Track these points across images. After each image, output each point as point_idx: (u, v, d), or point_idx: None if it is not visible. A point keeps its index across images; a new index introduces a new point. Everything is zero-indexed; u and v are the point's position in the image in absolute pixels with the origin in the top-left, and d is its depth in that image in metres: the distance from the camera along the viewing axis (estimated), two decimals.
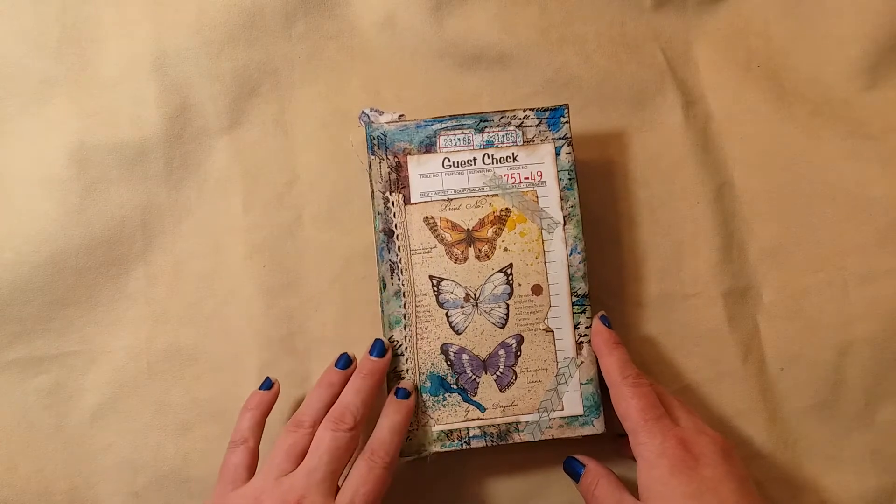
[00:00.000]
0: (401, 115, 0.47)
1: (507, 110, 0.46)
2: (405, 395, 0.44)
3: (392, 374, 0.45)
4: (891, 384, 0.48)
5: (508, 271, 0.45)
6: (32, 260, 0.49)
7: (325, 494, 0.39)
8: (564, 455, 0.48)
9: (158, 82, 0.51)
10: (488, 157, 0.46)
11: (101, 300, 0.50)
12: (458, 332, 0.45)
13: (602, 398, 0.44)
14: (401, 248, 0.45)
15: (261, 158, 0.51)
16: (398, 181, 0.46)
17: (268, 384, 0.46)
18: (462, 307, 0.45)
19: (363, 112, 0.47)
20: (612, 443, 0.46)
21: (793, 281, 0.49)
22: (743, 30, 0.52)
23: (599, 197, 0.50)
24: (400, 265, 0.45)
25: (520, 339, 0.45)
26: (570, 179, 0.45)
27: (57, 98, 0.51)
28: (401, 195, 0.46)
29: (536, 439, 0.44)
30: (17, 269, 0.49)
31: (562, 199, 0.45)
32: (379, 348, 0.44)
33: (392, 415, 0.43)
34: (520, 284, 0.45)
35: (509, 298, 0.45)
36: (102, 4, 0.52)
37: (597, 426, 0.44)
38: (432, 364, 0.45)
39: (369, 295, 0.49)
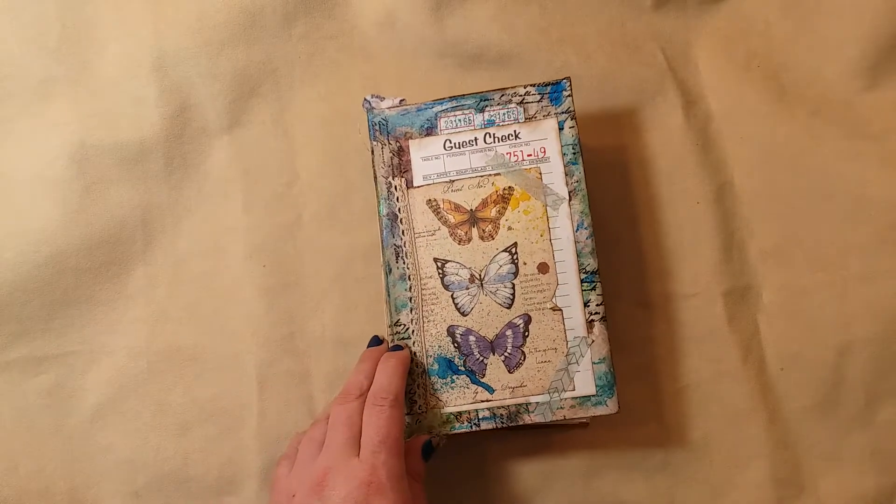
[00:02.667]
0: (402, 100, 0.47)
1: (507, 87, 0.46)
2: (398, 348, 0.44)
3: None
4: (891, 384, 0.48)
5: (513, 250, 0.45)
6: (32, 260, 0.49)
7: (347, 457, 0.39)
8: (570, 448, 0.48)
9: (158, 82, 0.51)
10: (490, 137, 0.46)
11: (101, 300, 0.50)
12: (464, 314, 0.45)
13: (616, 377, 0.44)
14: (405, 232, 0.45)
15: (261, 158, 0.51)
16: (400, 165, 0.46)
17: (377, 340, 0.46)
18: (467, 288, 0.45)
19: (365, 99, 0.47)
20: (614, 433, 0.46)
21: (793, 281, 0.49)
22: (743, 30, 0.52)
23: (599, 197, 0.50)
24: (404, 249, 0.45)
25: (527, 319, 0.44)
26: (574, 154, 0.45)
27: (57, 98, 0.51)
28: (403, 179, 0.46)
29: (547, 420, 0.43)
30: (17, 269, 0.49)
31: (566, 175, 0.45)
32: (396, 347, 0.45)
33: (386, 361, 0.43)
34: (525, 263, 0.45)
35: (515, 278, 0.45)
36: (102, 4, 0.52)
37: (610, 406, 0.43)
38: (439, 346, 0.45)
39: (369, 295, 0.49)
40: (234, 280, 0.50)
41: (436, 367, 0.44)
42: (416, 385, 0.44)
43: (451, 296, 0.45)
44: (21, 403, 0.49)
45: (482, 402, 0.44)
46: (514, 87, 0.46)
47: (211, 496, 0.48)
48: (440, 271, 0.45)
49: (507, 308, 0.44)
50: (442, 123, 0.46)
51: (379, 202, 0.46)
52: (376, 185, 0.46)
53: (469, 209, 0.45)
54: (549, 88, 0.46)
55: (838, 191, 0.50)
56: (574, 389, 0.44)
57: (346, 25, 0.52)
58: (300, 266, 0.50)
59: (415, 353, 0.45)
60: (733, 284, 0.49)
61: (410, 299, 0.45)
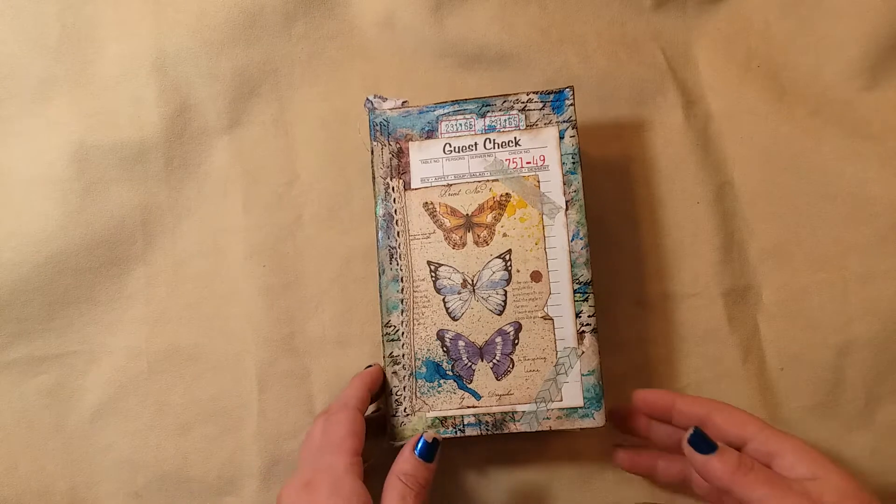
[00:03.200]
0: (404, 102, 0.47)
1: (509, 94, 0.46)
2: (371, 366, 0.46)
3: (388, 359, 0.45)
4: (891, 384, 0.48)
5: (507, 257, 0.45)
6: (32, 260, 0.49)
7: (308, 468, 0.40)
8: (569, 448, 0.48)
9: (158, 82, 0.51)
10: (490, 142, 0.46)
11: (101, 300, 0.50)
12: (454, 319, 0.45)
13: (604, 391, 0.44)
14: (400, 234, 0.45)
15: (261, 158, 0.51)
16: (399, 167, 0.46)
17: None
18: (459, 293, 0.45)
19: (367, 99, 0.47)
20: (612, 437, 0.46)
21: (793, 281, 0.49)
22: (743, 30, 0.52)
23: (599, 197, 0.50)
24: (398, 250, 0.45)
25: (517, 327, 0.44)
26: (573, 163, 0.45)
27: (57, 98, 0.51)
28: (401, 181, 0.46)
29: (533, 430, 0.43)
30: (17, 269, 0.49)
31: (564, 184, 0.45)
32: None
33: (353, 378, 0.44)
34: (518, 271, 0.45)
35: (507, 285, 0.45)
36: (102, 4, 0.52)
37: (597, 419, 0.43)
38: (428, 350, 0.45)
39: (369, 295, 0.49)
40: (234, 280, 0.50)
41: (423, 370, 0.44)
42: (402, 387, 0.44)
43: (443, 300, 0.45)
44: (21, 403, 0.49)
45: (468, 408, 0.44)
46: (517, 93, 0.46)
47: (211, 496, 0.48)
48: (433, 275, 0.45)
49: (498, 315, 0.44)
50: (443, 127, 0.46)
51: (376, 203, 0.46)
52: (374, 185, 0.46)
53: (465, 214, 0.45)
54: (551, 97, 0.45)
55: (838, 191, 0.50)
56: (561, 400, 0.43)
57: (346, 25, 0.52)
58: (300, 266, 0.50)
59: (403, 354, 0.45)
60: (733, 284, 0.49)
61: (402, 301, 0.45)
